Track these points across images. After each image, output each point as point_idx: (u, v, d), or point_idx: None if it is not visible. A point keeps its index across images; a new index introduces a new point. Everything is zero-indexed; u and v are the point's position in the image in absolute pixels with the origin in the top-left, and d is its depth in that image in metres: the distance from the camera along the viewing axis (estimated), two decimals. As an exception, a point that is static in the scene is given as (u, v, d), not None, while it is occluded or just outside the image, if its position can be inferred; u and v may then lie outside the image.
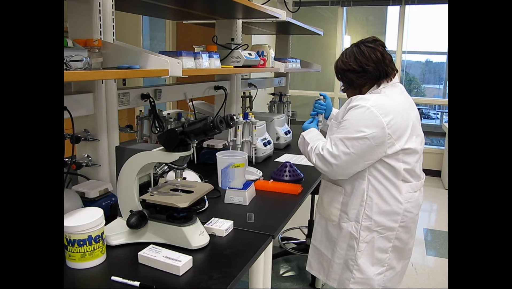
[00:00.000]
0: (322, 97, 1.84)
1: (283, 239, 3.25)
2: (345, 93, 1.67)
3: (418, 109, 1.62)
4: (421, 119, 1.66)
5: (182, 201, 1.20)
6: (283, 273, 2.92)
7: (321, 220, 1.71)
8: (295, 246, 3.16)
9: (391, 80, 1.57)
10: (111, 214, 1.39)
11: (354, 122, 1.45)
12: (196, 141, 1.21)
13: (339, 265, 1.63)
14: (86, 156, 1.51)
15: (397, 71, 1.59)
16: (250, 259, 1.20)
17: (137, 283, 1.03)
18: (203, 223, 1.32)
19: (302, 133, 1.67)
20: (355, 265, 1.58)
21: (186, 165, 1.28)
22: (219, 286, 1.04)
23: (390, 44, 5.48)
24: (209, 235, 1.30)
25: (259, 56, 2.18)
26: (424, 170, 1.64)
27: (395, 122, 1.44)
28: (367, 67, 1.52)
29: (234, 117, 1.48)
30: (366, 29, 6.22)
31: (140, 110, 1.97)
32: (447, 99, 6.35)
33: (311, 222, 3.00)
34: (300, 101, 6.05)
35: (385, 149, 1.45)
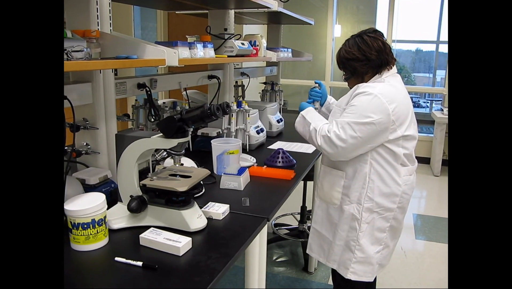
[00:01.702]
0: (317, 85, 1.90)
1: (276, 225, 3.32)
2: (346, 83, 1.73)
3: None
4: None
5: (181, 185, 1.25)
6: (277, 259, 3.00)
7: (322, 204, 1.78)
8: (288, 231, 3.23)
9: (391, 68, 1.63)
10: (111, 199, 1.43)
11: (362, 108, 1.51)
12: (193, 128, 1.26)
13: (339, 246, 1.70)
14: (85, 144, 1.54)
15: (395, 60, 1.66)
16: (246, 240, 1.25)
17: (139, 263, 1.08)
18: (200, 207, 1.37)
19: (302, 112, 1.71)
20: (357, 245, 1.65)
21: (184, 151, 1.32)
22: (218, 265, 1.10)
23: (380, 33, 5.50)
24: (207, 218, 1.35)
25: (252, 46, 2.22)
26: (414, 157, 1.71)
27: (398, 109, 1.51)
28: (370, 56, 1.59)
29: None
30: (357, 18, 6.24)
31: (136, 100, 2.00)
32: (436, 87, 6.44)
33: (303, 208, 3.07)
34: (292, 90, 6.09)
35: (388, 134, 1.53)
